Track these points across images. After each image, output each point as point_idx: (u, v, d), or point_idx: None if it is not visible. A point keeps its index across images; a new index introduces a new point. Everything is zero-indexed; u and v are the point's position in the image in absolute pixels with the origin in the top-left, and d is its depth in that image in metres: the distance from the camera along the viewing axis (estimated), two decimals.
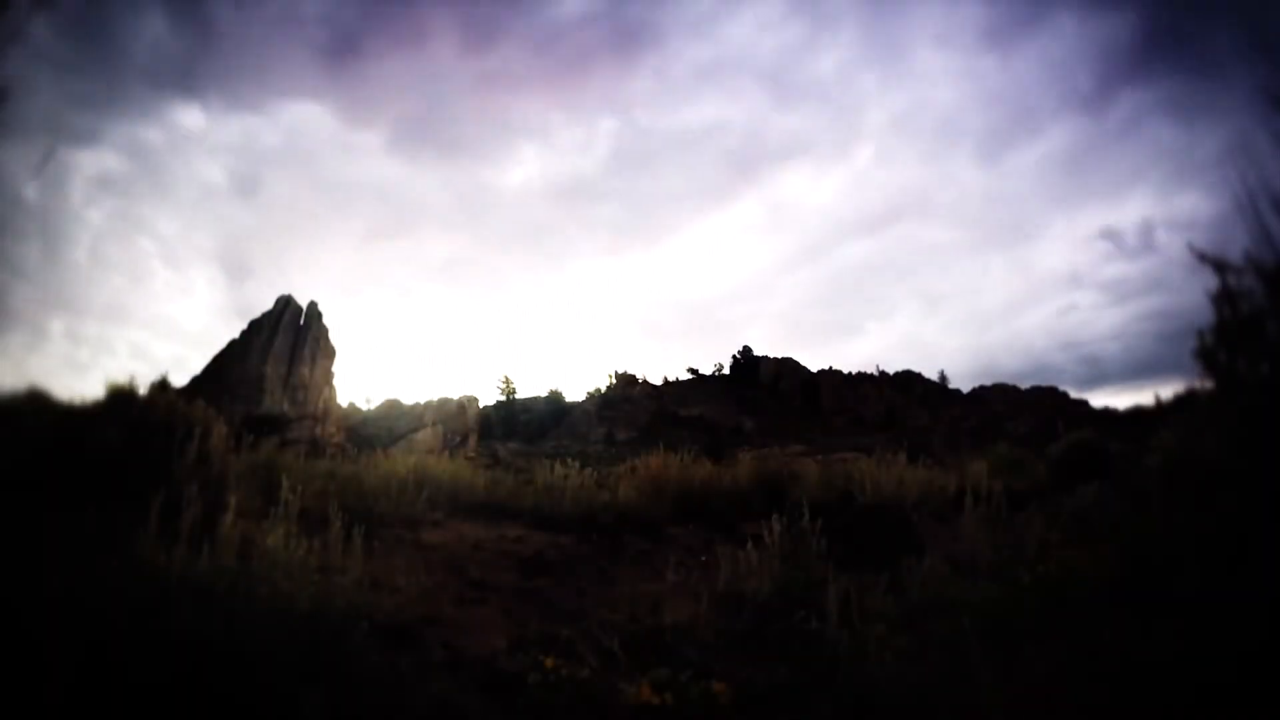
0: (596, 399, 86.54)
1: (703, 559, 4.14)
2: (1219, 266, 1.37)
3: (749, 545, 3.36)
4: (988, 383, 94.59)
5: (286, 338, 52.90)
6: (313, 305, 55.85)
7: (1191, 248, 1.40)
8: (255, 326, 52.87)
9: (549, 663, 2.33)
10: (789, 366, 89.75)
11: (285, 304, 54.54)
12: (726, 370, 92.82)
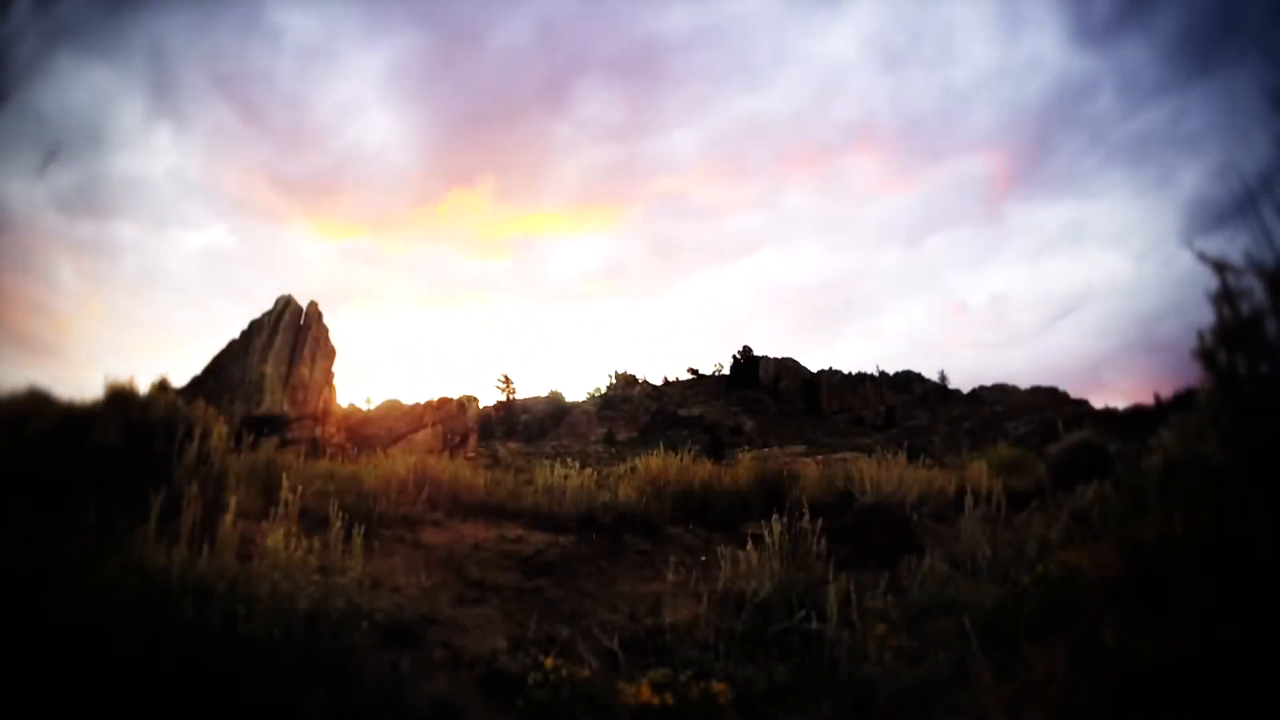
0: (596, 399, 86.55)
1: (703, 559, 4.14)
2: (1219, 266, 1.37)
3: (749, 545, 3.36)
4: (988, 383, 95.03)
5: (286, 338, 52.90)
6: (313, 305, 55.88)
7: (1191, 247, 1.40)
8: (255, 326, 52.84)
9: (549, 663, 2.33)
10: (789, 366, 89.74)
11: (285, 304, 54.52)
12: (726, 370, 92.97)
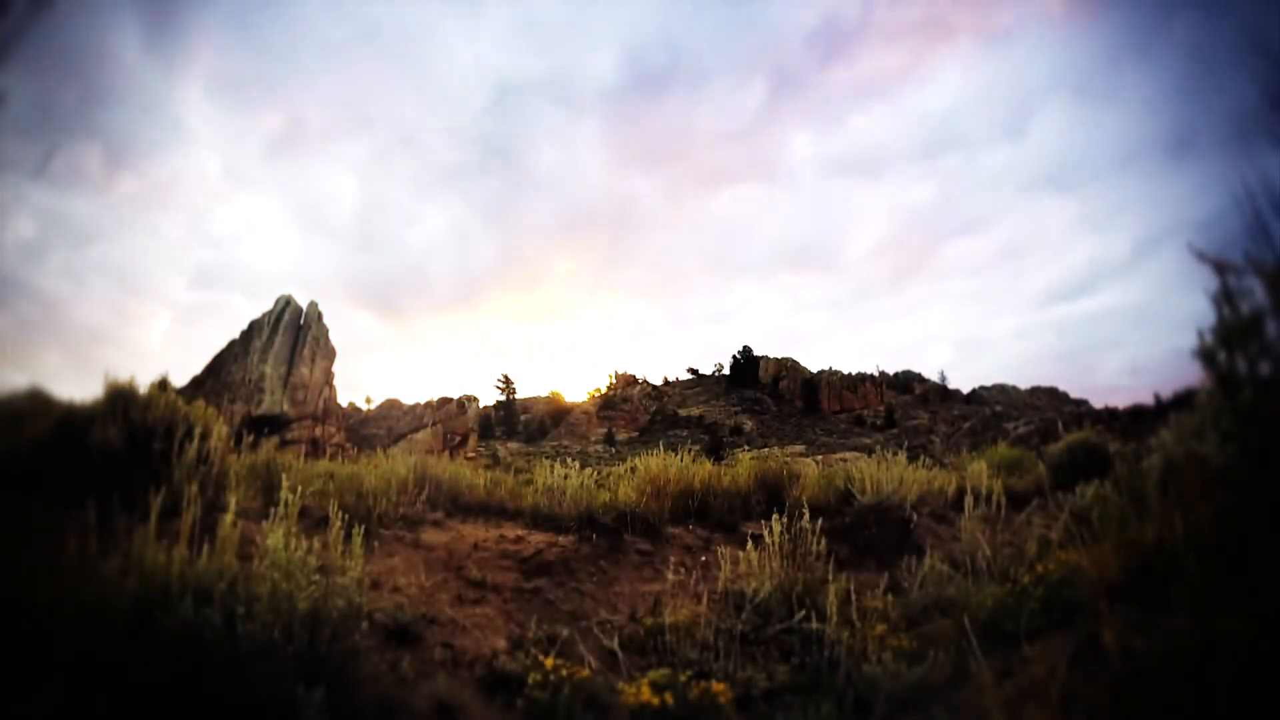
0: (596, 399, 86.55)
1: (703, 559, 4.14)
2: (1219, 266, 1.37)
3: (749, 545, 3.36)
4: (988, 383, 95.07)
5: (286, 338, 52.84)
6: (313, 305, 55.83)
7: (1191, 248, 1.40)
8: (255, 327, 52.77)
9: (549, 663, 2.33)
10: (789, 366, 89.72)
11: (285, 304, 54.45)
12: (726, 370, 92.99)
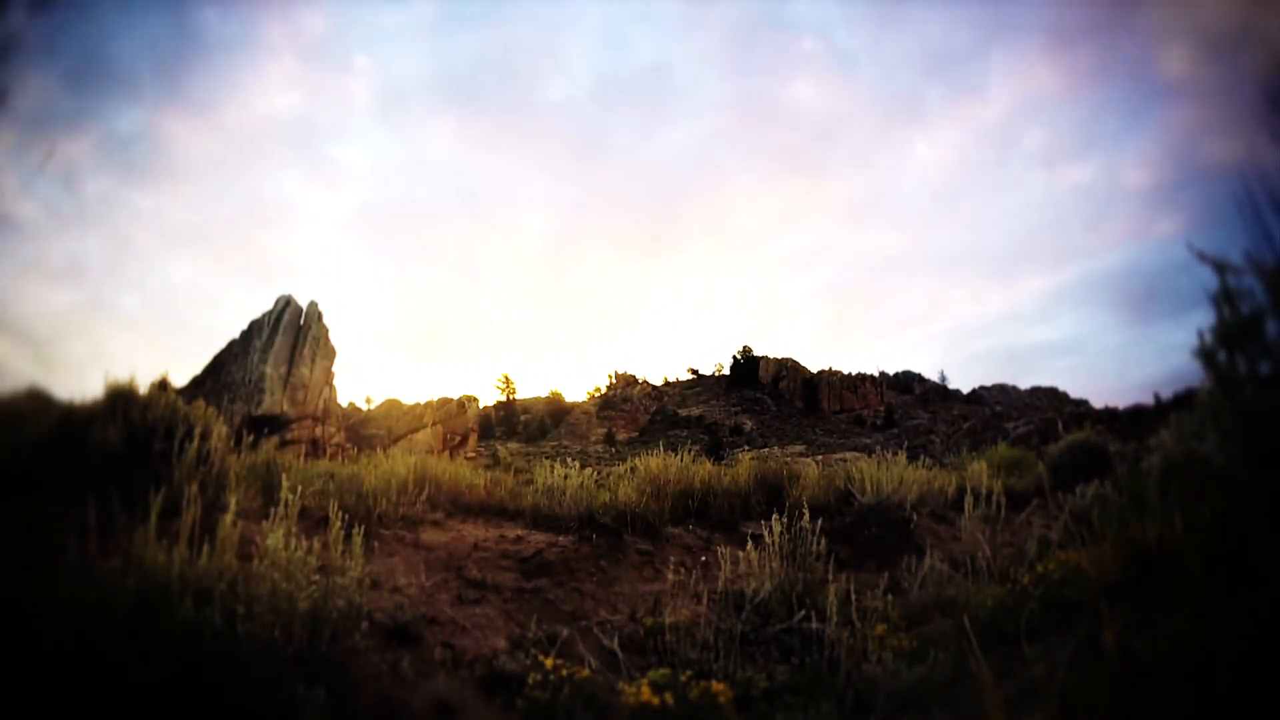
0: (596, 399, 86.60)
1: (703, 559, 4.14)
2: (1219, 266, 1.37)
3: (749, 545, 3.36)
4: (988, 383, 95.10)
5: (287, 338, 52.79)
6: (313, 305, 55.75)
7: (1191, 247, 1.40)
8: (255, 327, 52.71)
9: (549, 663, 2.33)
10: (789, 366, 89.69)
11: (285, 304, 54.39)
12: (726, 370, 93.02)
